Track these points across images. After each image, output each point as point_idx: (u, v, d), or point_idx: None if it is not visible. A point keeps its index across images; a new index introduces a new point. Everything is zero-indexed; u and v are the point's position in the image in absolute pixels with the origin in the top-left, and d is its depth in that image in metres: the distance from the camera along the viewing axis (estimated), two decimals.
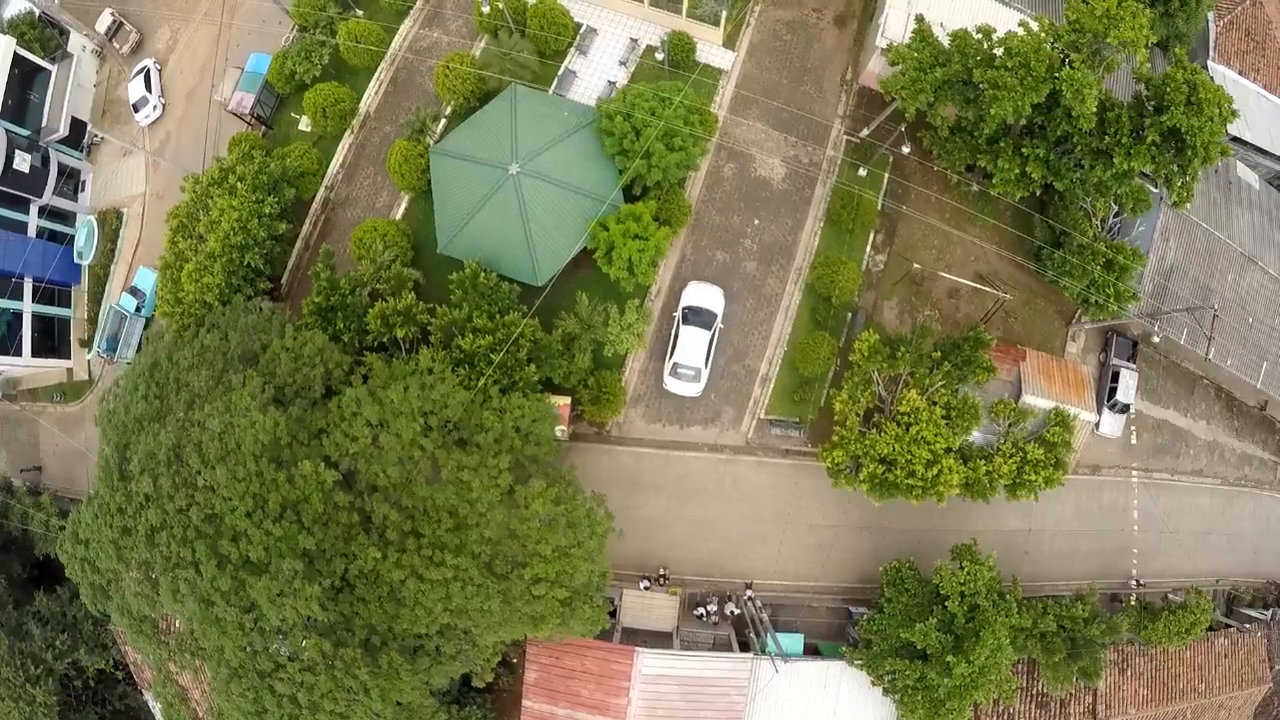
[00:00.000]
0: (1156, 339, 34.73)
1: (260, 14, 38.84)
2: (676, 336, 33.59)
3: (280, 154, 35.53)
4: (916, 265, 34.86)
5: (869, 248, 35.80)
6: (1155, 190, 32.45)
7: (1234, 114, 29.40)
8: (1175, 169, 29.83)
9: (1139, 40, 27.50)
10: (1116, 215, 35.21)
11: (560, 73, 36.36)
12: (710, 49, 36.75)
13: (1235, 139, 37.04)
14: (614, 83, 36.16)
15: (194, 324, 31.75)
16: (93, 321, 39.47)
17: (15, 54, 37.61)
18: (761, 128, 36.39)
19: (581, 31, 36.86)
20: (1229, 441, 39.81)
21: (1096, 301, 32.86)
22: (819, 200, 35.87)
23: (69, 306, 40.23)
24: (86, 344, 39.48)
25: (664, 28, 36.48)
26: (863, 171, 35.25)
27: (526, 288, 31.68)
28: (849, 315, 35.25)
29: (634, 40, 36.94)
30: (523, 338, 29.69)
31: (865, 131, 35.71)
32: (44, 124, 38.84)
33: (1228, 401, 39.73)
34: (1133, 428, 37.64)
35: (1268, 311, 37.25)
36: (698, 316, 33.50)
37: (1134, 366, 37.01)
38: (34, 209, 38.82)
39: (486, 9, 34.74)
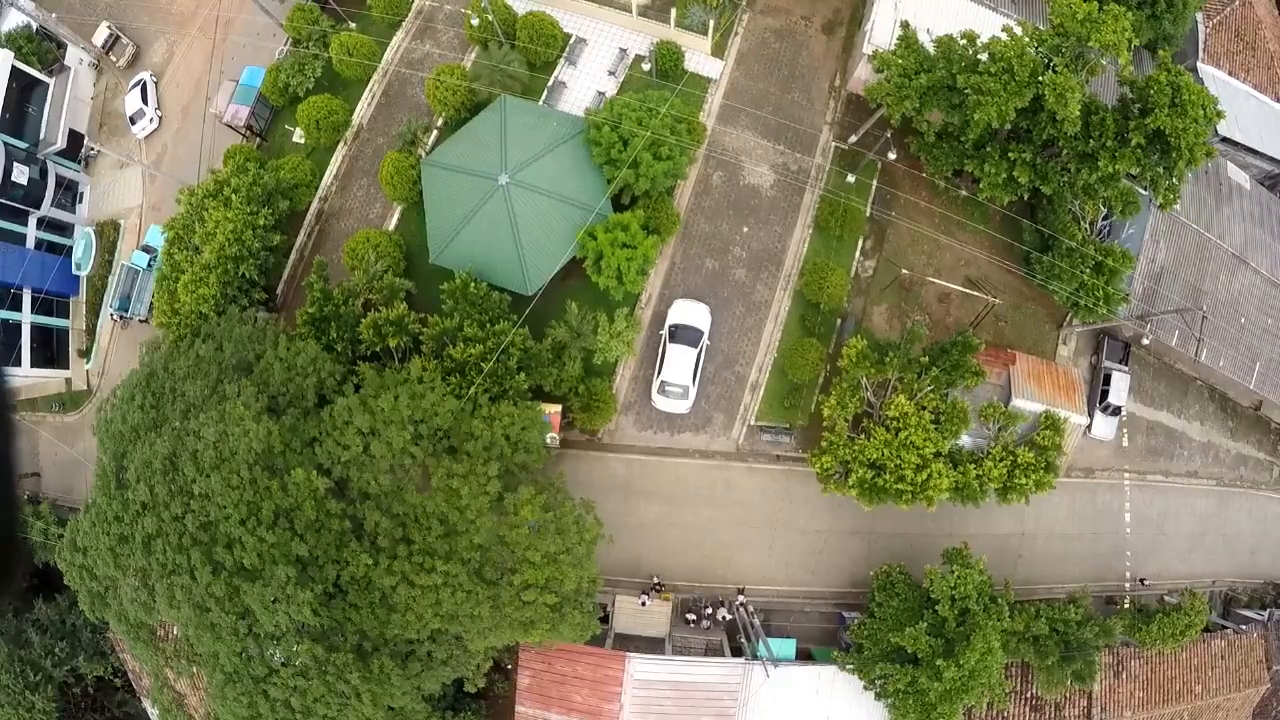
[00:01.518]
0: (1147, 341, 34.84)
1: (254, 28, 39.26)
2: (663, 355, 33.76)
3: (274, 166, 35.88)
4: (905, 271, 34.98)
5: (858, 254, 35.94)
6: (1145, 193, 32.54)
7: (1219, 115, 29.48)
8: (1161, 171, 29.89)
9: (1121, 43, 27.60)
10: (1106, 218, 35.27)
11: (550, 84, 36.61)
12: (698, 58, 36.97)
13: (1226, 139, 37.17)
14: (603, 93, 36.35)
15: (190, 334, 32.09)
16: (91, 333, 39.93)
17: (13, 67, 38.13)
18: (750, 135, 36.59)
19: (571, 42, 37.14)
20: (1224, 442, 39.79)
21: (1086, 305, 32.93)
22: (808, 207, 36.03)
23: (67, 317, 40.66)
24: (85, 354, 39.94)
25: (652, 37, 36.75)
26: (851, 178, 35.39)
27: (517, 297, 31.90)
28: (838, 321, 35.38)
29: (623, 50, 37.19)
30: (513, 346, 29.95)
31: (853, 138, 35.90)
32: (42, 137, 39.35)
33: (1222, 402, 39.72)
34: (1124, 430, 37.68)
35: (1260, 312, 37.28)
36: (684, 334, 33.67)
37: (1126, 369, 37.04)
38: (32, 221, 39.33)
39: (476, 21, 35.06)
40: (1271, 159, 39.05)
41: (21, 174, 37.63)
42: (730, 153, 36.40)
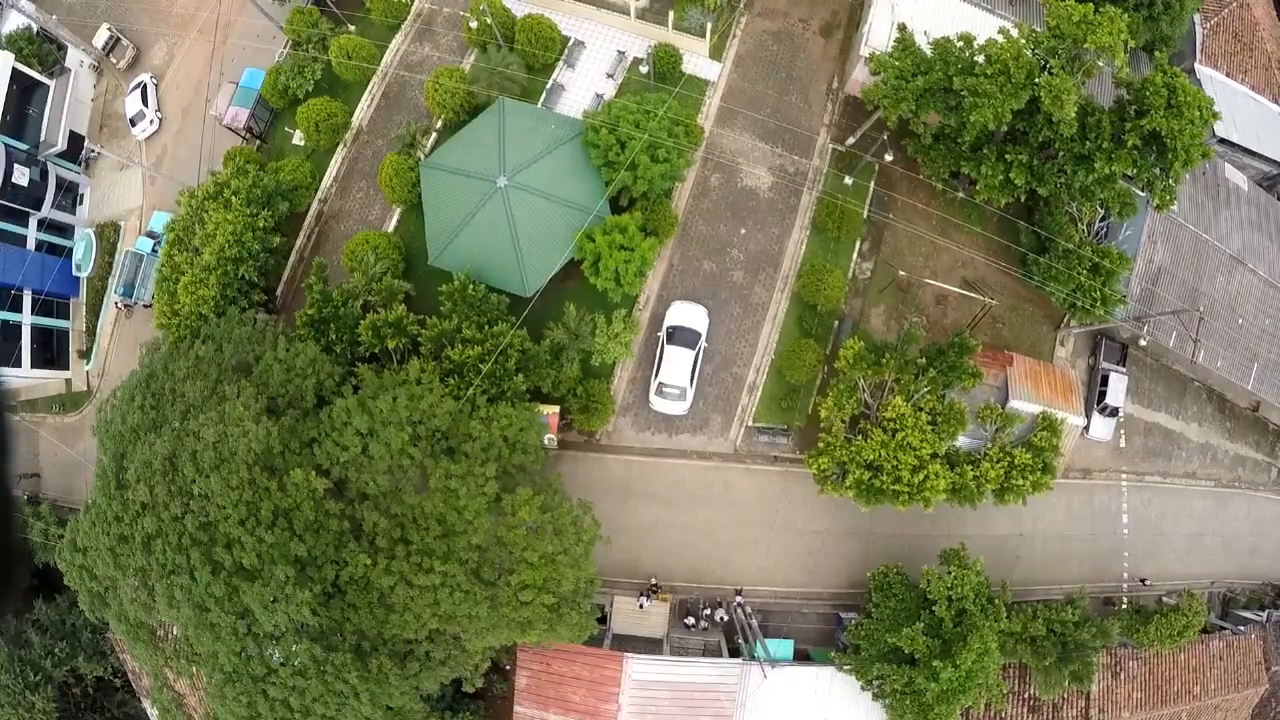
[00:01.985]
0: (1144, 343, 34.89)
1: (254, 30, 39.43)
2: (661, 356, 33.86)
3: (274, 168, 36.04)
4: (902, 272, 35.07)
5: (855, 255, 36.04)
6: (1141, 194, 32.61)
7: (1216, 116, 29.54)
8: (1157, 172, 29.99)
9: (1116, 45, 27.68)
10: (1103, 219, 35.36)
11: (548, 86, 36.72)
12: (696, 60, 37.07)
13: (1223, 141, 37.23)
14: (601, 95, 36.46)
15: (189, 335, 32.21)
16: (91, 334, 40.06)
17: (14, 69, 38.29)
18: (748, 138, 36.68)
19: (569, 45, 37.26)
20: (1222, 443, 39.83)
21: (1083, 306, 32.98)
22: (805, 209, 36.13)
23: (67, 319, 40.81)
24: (85, 355, 40.07)
25: (650, 40, 36.83)
26: (849, 180, 35.51)
27: (515, 298, 32.01)
28: (835, 323, 35.48)
29: (621, 53, 37.31)
30: (511, 348, 30.06)
31: (850, 140, 36.01)
32: (42, 138, 39.50)
33: (1219, 404, 39.78)
34: (1122, 431, 37.73)
35: (1258, 313, 37.30)
36: (682, 336, 33.77)
37: (1124, 370, 37.10)
38: (33, 222, 39.47)
39: (475, 24, 35.18)
40: (1269, 160, 39.09)
41: (22, 175, 37.78)
42: (728, 155, 36.50)
